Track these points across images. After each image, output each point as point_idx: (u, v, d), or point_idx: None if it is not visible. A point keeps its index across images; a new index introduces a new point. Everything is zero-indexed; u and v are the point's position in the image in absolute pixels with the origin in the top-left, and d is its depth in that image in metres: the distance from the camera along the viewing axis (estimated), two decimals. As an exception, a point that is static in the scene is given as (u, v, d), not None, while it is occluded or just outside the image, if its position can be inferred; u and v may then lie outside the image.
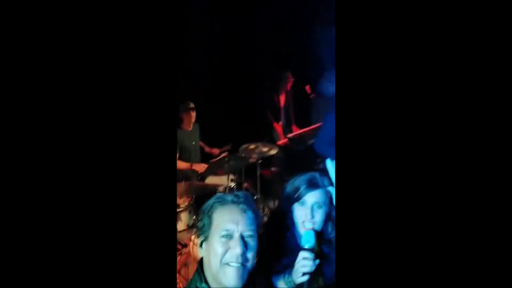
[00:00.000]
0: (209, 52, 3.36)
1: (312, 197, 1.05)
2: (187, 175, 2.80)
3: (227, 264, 0.83)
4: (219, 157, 2.78)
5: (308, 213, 1.04)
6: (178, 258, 2.14)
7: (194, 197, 2.35)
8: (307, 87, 3.42)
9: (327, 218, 1.08)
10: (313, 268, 0.93)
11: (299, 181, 1.08)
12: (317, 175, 1.10)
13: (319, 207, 1.05)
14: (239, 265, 0.83)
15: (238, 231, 0.84)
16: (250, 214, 0.87)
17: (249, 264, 0.85)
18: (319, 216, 1.05)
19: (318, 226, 1.05)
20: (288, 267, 1.01)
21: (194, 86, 3.14)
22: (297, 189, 1.07)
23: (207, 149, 3.03)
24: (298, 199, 1.06)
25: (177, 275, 2.05)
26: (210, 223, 0.87)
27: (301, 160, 3.16)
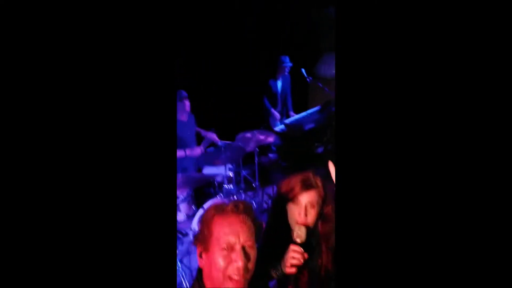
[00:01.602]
0: (204, 39, 3.26)
1: (305, 198, 1.09)
2: (184, 166, 2.79)
3: (229, 277, 0.83)
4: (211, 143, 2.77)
5: (302, 212, 1.08)
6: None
7: (193, 188, 2.35)
8: (303, 71, 3.34)
9: (319, 216, 1.12)
10: (302, 261, 0.97)
11: (294, 181, 1.11)
12: (310, 175, 1.13)
13: (312, 207, 1.09)
14: (240, 281, 0.82)
15: (239, 243, 0.83)
16: (250, 224, 0.87)
17: (249, 275, 0.85)
18: (311, 215, 1.09)
19: (310, 225, 1.08)
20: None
21: (189, 75, 3.07)
22: (291, 189, 1.10)
23: (203, 133, 2.99)
24: (291, 198, 1.09)
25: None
26: (210, 235, 0.86)
27: (298, 146, 3.15)
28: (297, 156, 3.14)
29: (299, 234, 1.02)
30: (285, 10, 3.46)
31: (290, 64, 3.33)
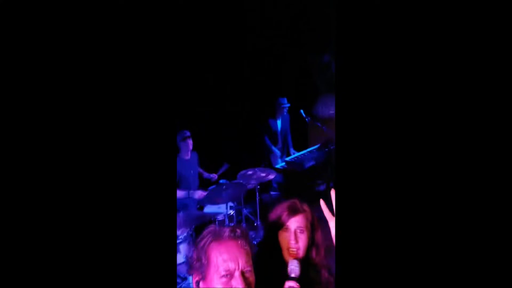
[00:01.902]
0: (205, 79, 3.43)
1: (294, 223, 1.10)
2: (185, 204, 2.77)
3: None
4: (217, 182, 2.77)
5: (292, 239, 1.08)
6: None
7: (193, 227, 2.30)
8: (302, 111, 3.48)
9: (311, 243, 1.11)
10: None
11: (280, 208, 1.13)
12: (296, 201, 1.15)
13: (301, 231, 1.09)
14: None
15: (238, 269, 0.82)
16: (247, 248, 0.86)
17: None
18: (302, 241, 1.09)
19: (301, 252, 1.08)
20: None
21: (191, 114, 3.18)
22: (279, 217, 1.11)
23: (205, 175, 3.02)
24: (281, 226, 1.10)
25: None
26: (208, 263, 0.83)
27: (299, 183, 3.15)
28: (299, 193, 3.12)
29: (293, 269, 1.01)
30: (283, 54, 3.69)
31: (288, 105, 3.48)
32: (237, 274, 0.81)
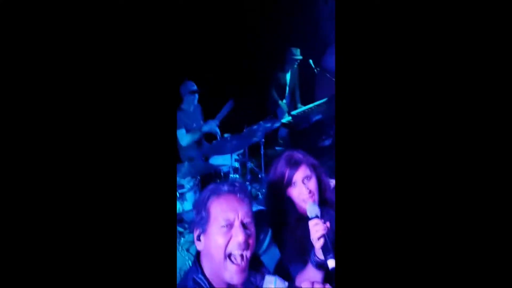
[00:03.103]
0: (214, 31, 3.25)
1: (299, 175, 1.11)
2: (191, 155, 2.80)
3: (230, 258, 0.82)
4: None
5: (304, 190, 1.09)
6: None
7: (198, 177, 2.36)
8: (311, 62, 3.31)
9: (319, 184, 1.13)
10: (325, 230, 0.96)
11: (280, 166, 1.12)
12: (292, 153, 1.14)
13: (309, 179, 1.11)
14: (240, 259, 0.81)
15: (238, 218, 0.83)
16: (247, 201, 0.87)
17: (249, 254, 0.84)
18: (313, 186, 1.11)
19: (316, 196, 1.10)
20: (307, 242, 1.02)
21: (195, 66, 3.08)
22: (283, 175, 1.11)
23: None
24: (289, 183, 1.10)
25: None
26: (208, 216, 0.85)
27: (305, 138, 3.12)
28: (305, 148, 3.11)
29: (313, 209, 1.03)
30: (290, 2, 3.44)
31: (300, 57, 3.29)
32: (236, 223, 0.83)
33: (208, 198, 0.86)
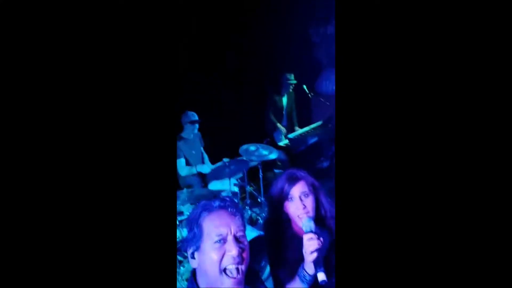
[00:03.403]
0: (211, 56, 3.37)
1: (296, 190, 1.13)
2: (190, 182, 2.81)
3: (225, 272, 0.82)
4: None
5: (299, 205, 1.12)
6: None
7: (197, 204, 2.35)
8: (305, 87, 3.41)
9: (317, 204, 1.16)
10: (319, 245, 0.98)
11: (281, 181, 1.16)
12: (293, 170, 1.18)
13: (306, 196, 1.13)
14: (236, 272, 0.81)
15: (231, 233, 0.83)
16: (238, 216, 0.88)
17: (244, 267, 0.84)
18: (309, 204, 1.13)
19: (312, 214, 1.12)
20: (296, 263, 1.05)
21: (196, 92, 3.16)
22: (281, 189, 1.15)
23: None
24: (286, 196, 1.14)
25: None
26: (200, 232, 0.85)
27: (303, 160, 3.15)
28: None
29: (308, 224, 1.05)
30: (283, 27, 3.58)
31: (295, 82, 3.40)
32: (229, 238, 0.83)
33: (199, 215, 0.86)
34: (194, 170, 2.77)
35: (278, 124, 3.45)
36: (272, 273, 1.20)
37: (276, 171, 3.44)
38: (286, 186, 1.13)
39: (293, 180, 1.13)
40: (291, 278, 1.07)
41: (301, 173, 1.17)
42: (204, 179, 2.86)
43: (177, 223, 2.23)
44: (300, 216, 1.10)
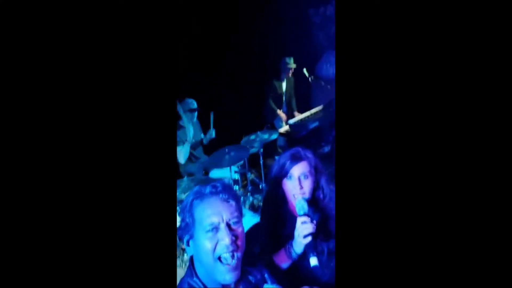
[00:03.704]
0: (209, 42, 3.29)
1: (297, 170, 1.10)
2: (191, 171, 2.80)
3: (219, 259, 0.81)
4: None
5: (297, 185, 1.09)
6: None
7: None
8: (305, 70, 3.33)
9: (316, 186, 1.13)
10: (313, 229, 0.97)
11: (284, 157, 1.13)
12: (299, 149, 1.14)
13: (306, 177, 1.10)
14: (231, 259, 0.81)
15: (223, 221, 0.82)
16: (231, 201, 0.85)
17: (240, 254, 0.83)
18: (307, 186, 1.10)
19: (308, 196, 1.10)
20: (287, 240, 1.05)
21: (195, 78, 3.10)
22: (283, 166, 1.11)
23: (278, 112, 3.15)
24: (285, 174, 1.11)
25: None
26: (192, 221, 0.84)
27: (304, 145, 3.12)
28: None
29: (301, 206, 1.03)
30: (283, 9, 3.48)
31: (294, 66, 3.32)
32: (222, 226, 0.82)
33: (191, 203, 0.85)
34: (187, 147, 2.71)
35: (279, 111, 3.40)
36: (261, 245, 1.18)
37: (277, 158, 3.42)
38: (288, 164, 1.10)
39: (296, 159, 1.10)
40: (277, 250, 1.07)
41: (306, 153, 1.13)
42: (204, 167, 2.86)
43: (178, 210, 2.24)
44: (296, 196, 1.08)
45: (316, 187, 1.13)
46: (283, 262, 1.06)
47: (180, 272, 0.89)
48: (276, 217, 1.16)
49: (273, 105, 3.40)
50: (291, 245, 1.03)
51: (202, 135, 2.90)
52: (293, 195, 1.09)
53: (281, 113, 3.42)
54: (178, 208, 2.21)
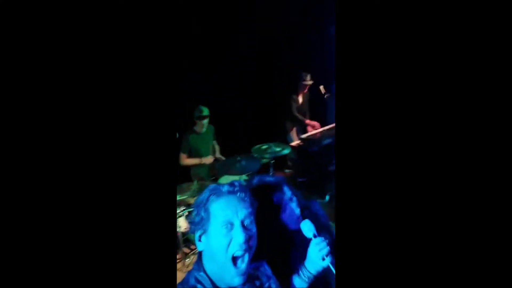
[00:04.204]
0: (228, 54, 3.37)
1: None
2: (201, 175, 2.83)
3: (232, 260, 0.81)
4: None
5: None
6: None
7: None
8: (321, 87, 3.36)
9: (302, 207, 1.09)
10: (329, 248, 0.92)
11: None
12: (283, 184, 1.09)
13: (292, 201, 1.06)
14: (243, 253, 0.80)
15: (238, 219, 0.82)
16: (247, 201, 0.85)
17: (250, 255, 0.82)
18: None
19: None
20: (299, 263, 1.00)
21: (211, 89, 3.17)
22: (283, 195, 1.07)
23: (307, 121, 3.26)
24: (291, 200, 1.07)
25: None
26: (208, 216, 0.84)
27: (315, 161, 3.12)
28: (313, 171, 3.09)
29: (307, 229, 0.97)
30: (305, 27, 3.54)
31: (311, 82, 3.36)
32: (237, 224, 0.82)
33: (207, 199, 0.85)
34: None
35: (305, 121, 3.39)
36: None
37: (286, 171, 3.42)
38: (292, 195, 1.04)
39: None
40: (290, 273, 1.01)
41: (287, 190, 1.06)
42: (214, 171, 2.89)
43: (186, 214, 2.26)
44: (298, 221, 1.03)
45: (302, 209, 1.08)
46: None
47: (180, 276, 0.89)
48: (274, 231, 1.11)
49: (299, 115, 3.39)
50: (305, 267, 0.96)
51: (214, 142, 2.95)
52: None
53: (309, 122, 3.43)
54: (185, 211, 2.23)
